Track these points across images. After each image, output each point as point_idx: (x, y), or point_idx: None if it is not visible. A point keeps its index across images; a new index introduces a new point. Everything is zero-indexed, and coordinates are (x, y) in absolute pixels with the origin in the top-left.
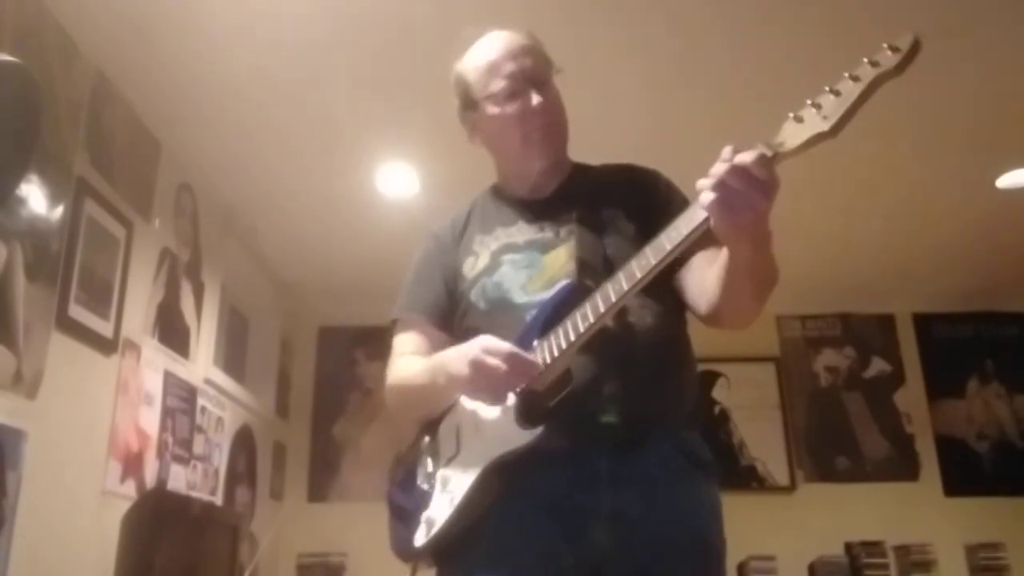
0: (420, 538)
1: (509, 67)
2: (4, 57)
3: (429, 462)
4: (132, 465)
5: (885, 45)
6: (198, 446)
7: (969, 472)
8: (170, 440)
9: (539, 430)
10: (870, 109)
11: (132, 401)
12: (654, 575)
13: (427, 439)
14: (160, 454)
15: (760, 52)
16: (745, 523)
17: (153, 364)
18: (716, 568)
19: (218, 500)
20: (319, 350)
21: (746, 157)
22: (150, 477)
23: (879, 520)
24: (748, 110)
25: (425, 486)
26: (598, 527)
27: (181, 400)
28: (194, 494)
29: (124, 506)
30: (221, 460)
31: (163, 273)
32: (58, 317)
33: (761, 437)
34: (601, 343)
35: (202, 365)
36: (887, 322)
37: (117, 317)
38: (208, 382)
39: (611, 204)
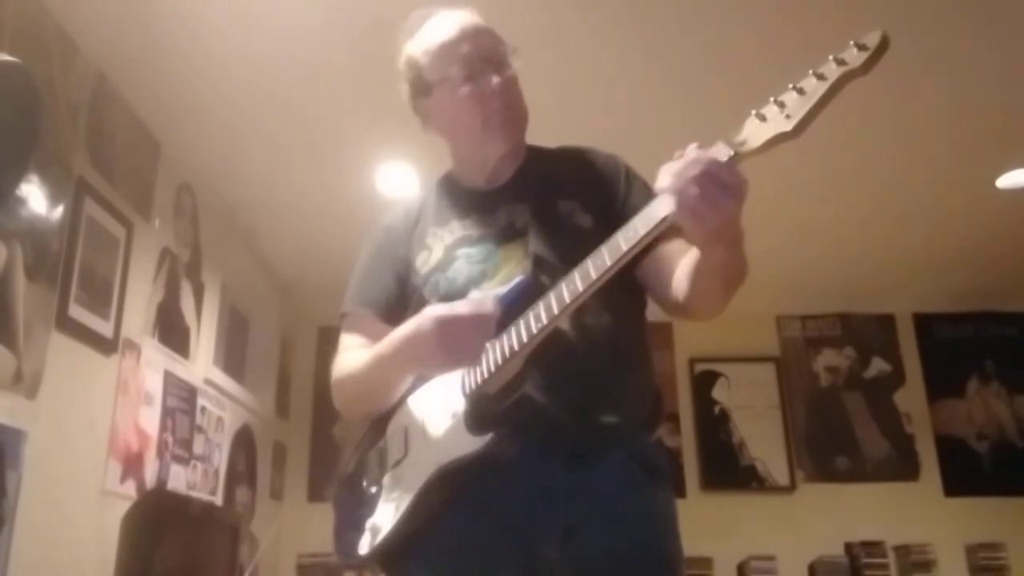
0: (364, 546)
1: (464, 48)
2: (4, 57)
3: (376, 465)
4: (132, 465)
5: (852, 43)
6: (198, 446)
7: (969, 472)
8: (170, 440)
9: (489, 436)
10: (870, 108)
11: (132, 401)
12: None
13: (374, 439)
14: (160, 454)
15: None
16: (745, 523)
17: (153, 364)
18: None
19: (218, 500)
20: (319, 350)
21: (715, 162)
22: (150, 477)
23: (879, 520)
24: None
25: (372, 489)
26: (549, 544)
27: (181, 400)
28: (194, 494)
29: (124, 506)
30: (221, 460)
31: (163, 273)
32: (58, 317)
33: (761, 437)
34: (555, 344)
35: (202, 365)
36: (887, 322)
37: (117, 317)
38: (208, 382)
39: (568, 195)
